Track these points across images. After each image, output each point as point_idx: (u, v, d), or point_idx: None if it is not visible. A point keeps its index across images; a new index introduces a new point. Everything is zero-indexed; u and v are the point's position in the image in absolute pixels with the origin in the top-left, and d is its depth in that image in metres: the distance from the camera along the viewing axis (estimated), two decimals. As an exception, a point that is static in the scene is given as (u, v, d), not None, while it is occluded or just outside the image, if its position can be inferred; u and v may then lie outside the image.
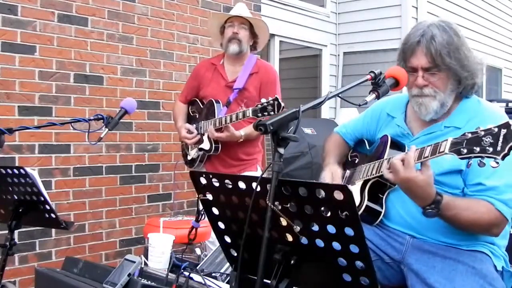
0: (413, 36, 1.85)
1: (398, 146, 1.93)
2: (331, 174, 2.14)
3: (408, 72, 1.84)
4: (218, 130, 3.02)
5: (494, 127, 1.42)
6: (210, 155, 3.22)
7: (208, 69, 3.31)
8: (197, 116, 3.30)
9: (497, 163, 1.41)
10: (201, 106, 3.29)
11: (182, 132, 3.27)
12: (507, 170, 1.63)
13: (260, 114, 2.65)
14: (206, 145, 3.17)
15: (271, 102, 2.60)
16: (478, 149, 1.43)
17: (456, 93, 1.87)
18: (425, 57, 1.81)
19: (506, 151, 1.39)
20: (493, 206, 1.70)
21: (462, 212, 1.69)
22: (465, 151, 1.46)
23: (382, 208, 1.94)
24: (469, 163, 1.51)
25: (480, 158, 1.44)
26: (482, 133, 1.43)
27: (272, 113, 2.60)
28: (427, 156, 1.60)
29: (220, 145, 3.16)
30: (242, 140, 3.08)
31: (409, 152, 1.64)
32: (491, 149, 1.40)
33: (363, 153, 2.17)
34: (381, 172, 1.81)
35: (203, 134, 3.19)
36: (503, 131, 1.40)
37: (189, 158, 3.34)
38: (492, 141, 1.41)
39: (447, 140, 1.52)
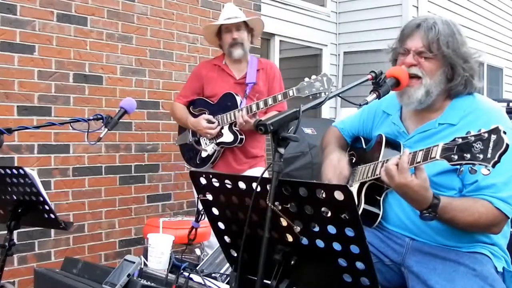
0: (414, 20, 1.84)
1: (393, 145, 1.91)
2: (333, 167, 2.05)
3: (402, 55, 1.83)
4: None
5: (484, 132, 1.40)
6: (225, 152, 3.21)
7: (210, 69, 3.31)
8: (207, 113, 3.25)
9: (488, 170, 1.38)
10: (211, 103, 3.25)
11: (204, 123, 3.16)
12: (504, 167, 1.61)
13: (302, 93, 2.76)
14: (227, 137, 3.15)
15: (319, 78, 2.67)
16: (468, 155, 1.41)
17: (446, 87, 1.82)
18: (421, 40, 1.79)
19: (496, 158, 1.36)
20: (491, 205, 1.68)
21: (459, 214, 1.67)
22: (456, 157, 1.44)
23: (380, 211, 1.92)
24: (460, 169, 1.46)
25: (471, 165, 1.42)
26: (473, 138, 1.41)
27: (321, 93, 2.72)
28: (419, 162, 1.58)
29: (244, 136, 3.14)
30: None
31: (402, 157, 1.61)
32: (481, 156, 1.38)
33: (360, 151, 2.15)
34: (377, 175, 1.79)
35: (222, 128, 3.16)
36: (493, 136, 1.38)
37: (204, 155, 3.26)
38: (482, 147, 1.38)
39: (438, 145, 1.50)
